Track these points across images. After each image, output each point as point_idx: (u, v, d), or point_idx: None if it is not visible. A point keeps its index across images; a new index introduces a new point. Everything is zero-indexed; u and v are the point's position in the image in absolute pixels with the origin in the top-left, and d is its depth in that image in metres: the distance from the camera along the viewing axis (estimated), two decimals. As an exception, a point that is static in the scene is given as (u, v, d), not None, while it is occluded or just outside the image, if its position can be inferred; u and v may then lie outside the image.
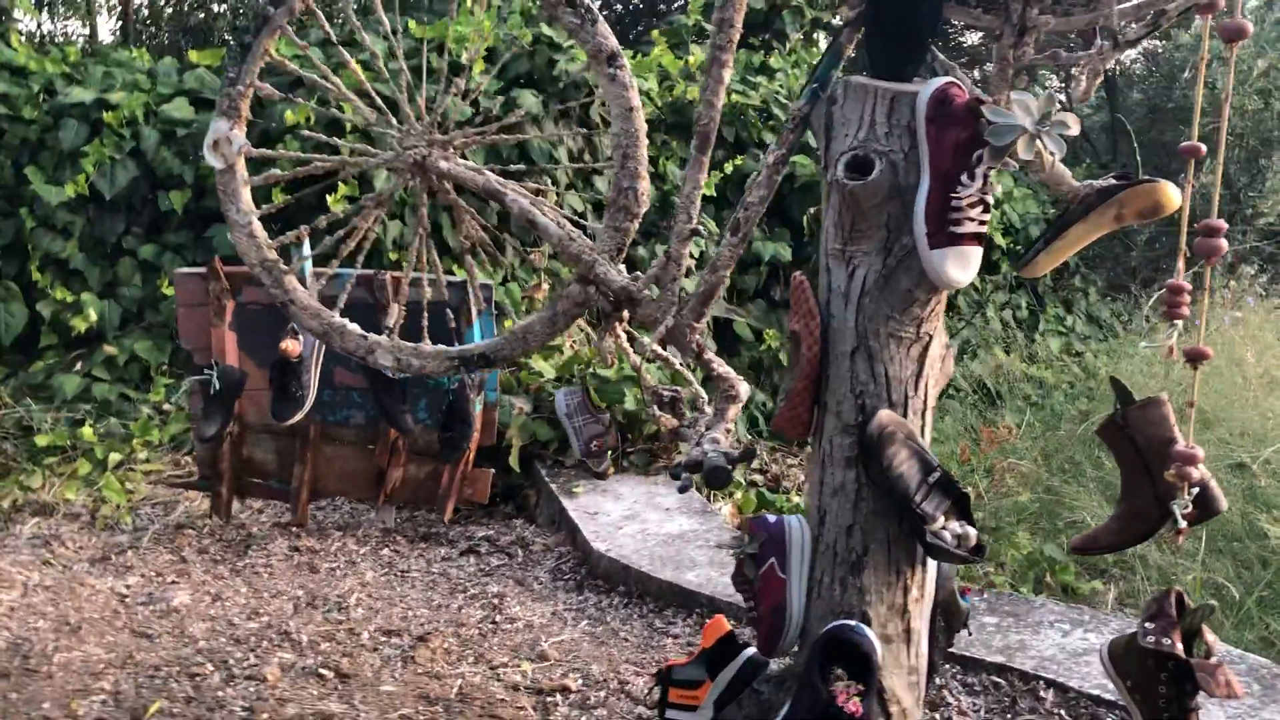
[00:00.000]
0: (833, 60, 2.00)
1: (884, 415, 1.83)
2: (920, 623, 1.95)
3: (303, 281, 3.54)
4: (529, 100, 4.83)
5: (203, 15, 8.52)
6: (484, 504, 3.83)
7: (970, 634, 2.20)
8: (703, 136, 2.03)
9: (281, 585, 3.12)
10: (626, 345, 2.22)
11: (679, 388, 2.22)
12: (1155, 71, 9.22)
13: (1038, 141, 1.69)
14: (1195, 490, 1.91)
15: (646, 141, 2.09)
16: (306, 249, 3.53)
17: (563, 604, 3.09)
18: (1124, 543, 2.09)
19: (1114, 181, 1.95)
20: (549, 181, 4.94)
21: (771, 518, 2.00)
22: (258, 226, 2.22)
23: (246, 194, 2.22)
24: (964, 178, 1.76)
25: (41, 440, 4.04)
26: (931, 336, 1.91)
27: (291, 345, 3.30)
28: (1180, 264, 1.91)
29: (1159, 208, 1.89)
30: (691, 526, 3.50)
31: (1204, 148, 1.86)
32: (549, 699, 2.48)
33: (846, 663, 1.80)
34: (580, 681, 2.59)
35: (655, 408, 2.21)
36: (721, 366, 2.14)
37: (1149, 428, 2.02)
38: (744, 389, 2.12)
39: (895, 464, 1.83)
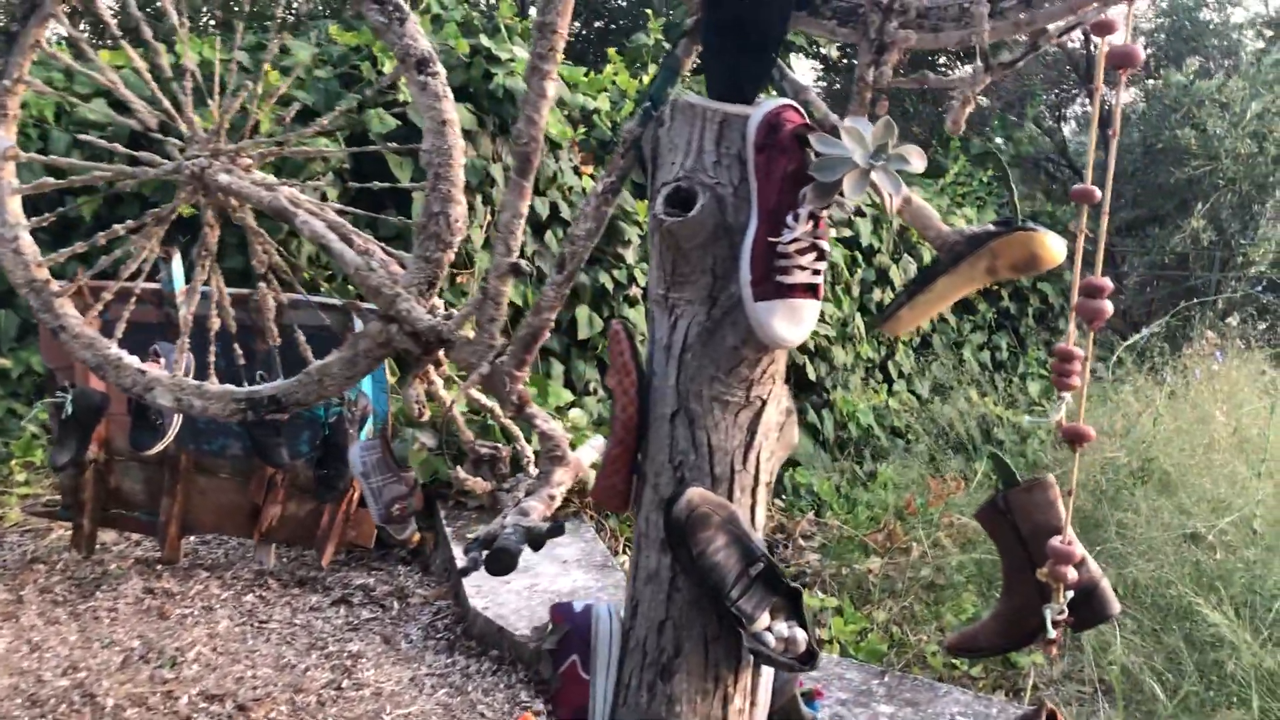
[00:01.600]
0: (669, 76, 1.72)
1: (695, 494, 1.54)
2: (743, 737, 1.66)
3: (171, 299, 3.26)
4: (464, 115, 4.57)
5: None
6: (369, 548, 3.54)
7: None
8: (522, 158, 1.75)
9: (120, 634, 2.84)
10: (442, 393, 1.94)
11: (498, 445, 1.93)
12: (1151, 111, 8.97)
13: (872, 177, 1.42)
14: (1072, 593, 1.63)
15: (463, 161, 1.81)
16: (177, 264, 3.25)
17: (427, 667, 2.80)
18: (1005, 645, 1.80)
19: (989, 228, 1.66)
20: (480, 201, 4.68)
21: (579, 604, 1.71)
22: (26, 241, 1.95)
23: (14, 203, 1.95)
24: (789, 219, 1.48)
25: (-100, 459, 3.77)
26: (765, 401, 1.63)
27: (150, 370, 3.03)
28: (1072, 327, 1.63)
29: (1035, 260, 1.60)
30: (586, 583, 3.21)
31: (1098, 192, 1.59)
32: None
33: (639, 788, 1.51)
34: (408, 763, 2.30)
35: (467, 467, 1.93)
36: (546, 423, 1.86)
37: (1034, 513, 1.74)
38: (569, 450, 1.84)
39: (709, 552, 1.54)
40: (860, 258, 6.26)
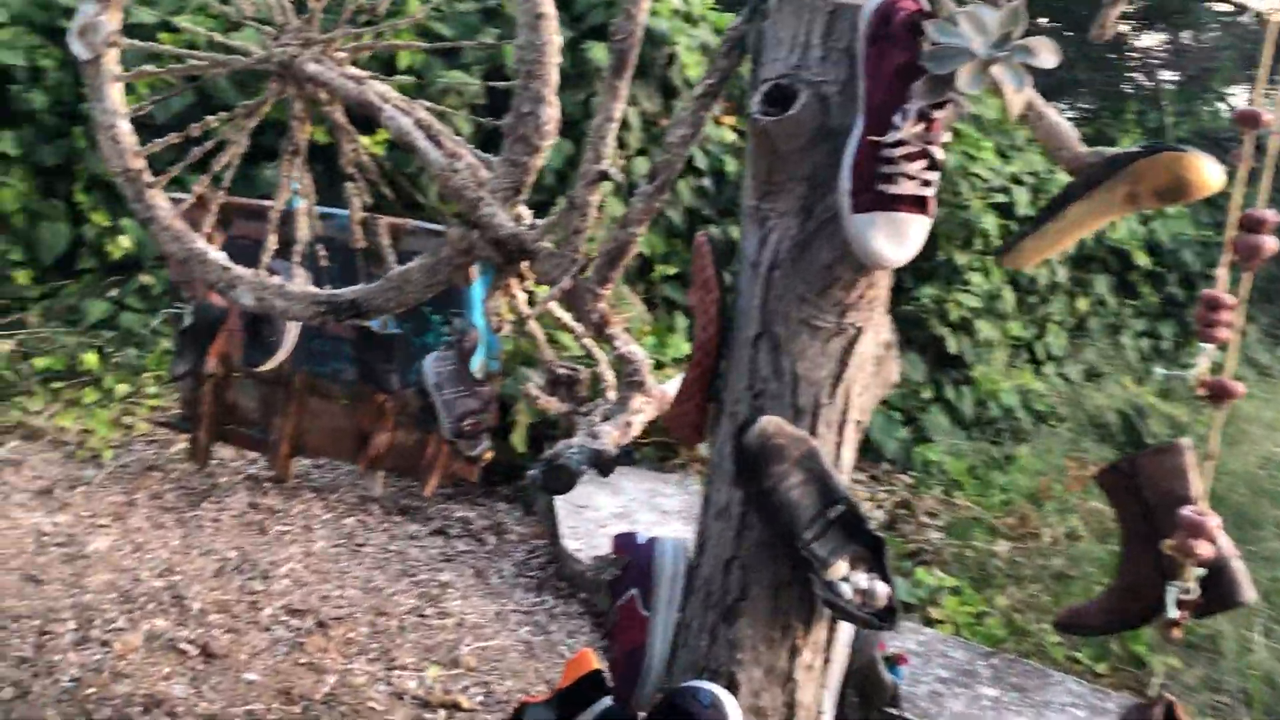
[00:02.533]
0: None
1: (770, 423, 1.40)
2: (810, 696, 1.51)
3: (292, 219, 3.26)
4: (599, 54, 4.46)
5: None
6: (474, 483, 3.50)
7: (902, 713, 1.74)
8: (618, 57, 1.63)
9: (219, 544, 2.86)
10: (525, 308, 1.84)
11: (578, 366, 1.82)
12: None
13: (991, 71, 1.24)
14: (1203, 570, 1.44)
15: (557, 60, 1.70)
16: (297, 184, 3.25)
17: (514, 604, 2.74)
18: (1114, 624, 1.61)
19: (1133, 149, 1.46)
20: (618, 145, 4.56)
21: (643, 537, 1.59)
22: (124, 129, 1.93)
23: (114, 91, 1.92)
24: (897, 117, 1.31)
25: (39, 363, 3.91)
26: (860, 330, 1.47)
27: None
28: (1223, 270, 1.43)
29: (1183, 186, 1.39)
30: (685, 536, 3.09)
31: (1266, 114, 1.38)
32: (428, 715, 2.13)
33: (690, 734, 1.39)
34: (479, 699, 2.23)
35: (544, 387, 1.83)
36: (628, 345, 1.74)
37: (1163, 480, 1.55)
38: (650, 377, 1.72)
39: (782, 489, 1.40)
40: (1016, 228, 5.92)
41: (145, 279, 4.48)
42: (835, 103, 1.41)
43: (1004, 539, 4.19)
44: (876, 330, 1.50)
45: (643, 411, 1.76)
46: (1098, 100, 8.07)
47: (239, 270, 1.93)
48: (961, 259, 5.40)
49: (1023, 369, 6.16)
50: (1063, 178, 6.05)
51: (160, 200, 1.96)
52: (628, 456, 1.59)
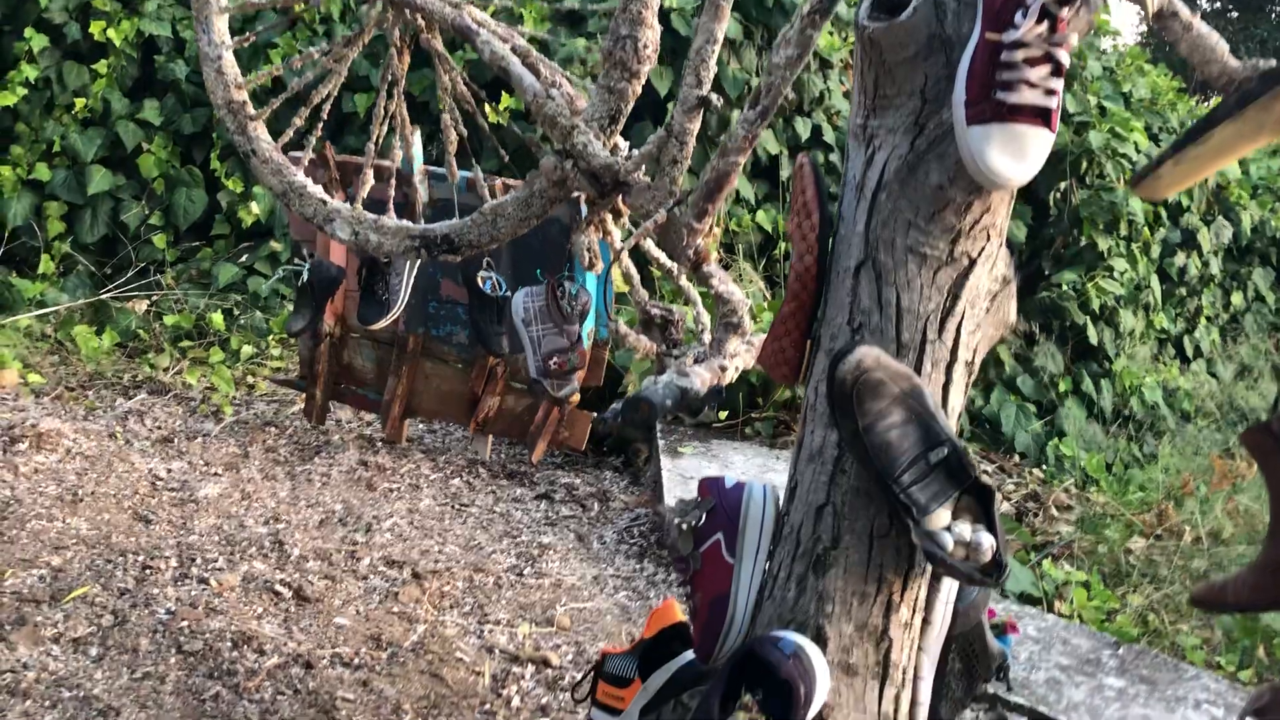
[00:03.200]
0: None
1: (868, 354, 1.29)
2: (906, 656, 1.40)
3: (409, 179, 3.26)
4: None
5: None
6: (582, 451, 3.45)
7: (1008, 688, 1.61)
8: (722, -29, 1.54)
9: (326, 497, 2.87)
10: (618, 243, 1.76)
11: (674, 307, 1.74)
12: None
13: (1126, -45, 1.10)
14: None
15: (659, -19, 1.62)
16: (417, 143, 3.25)
17: (613, 569, 2.68)
18: (1260, 602, 1.45)
19: (1292, 63, 1.29)
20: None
21: (731, 480, 1.50)
22: (229, 61, 1.93)
23: (221, 23, 1.92)
24: (1018, 15, 1.19)
25: (169, 320, 4.02)
26: (973, 261, 1.34)
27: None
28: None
29: (1353, 99, 1.23)
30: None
31: None
32: (516, 669, 2.08)
33: (770, 689, 1.29)
34: (569, 657, 2.17)
35: (637, 328, 1.75)
36: (725, 284, 1.66)
37: (1316, 442, 1.38)
38: (748, 317, 1.63)
39: (879, 428, 1.29)
40: (1165, 215, 5.59)
41: (275, 245, 4.58)
42: (951, 8, 1.29)
43: (1141, 536, 3.95)
44: (992, 262, 1.37)
45: (739, 356, 1.67)
46: (1256, 47, 7.56)
47: (336, 204, 1.90)
48: (1105, 244, 5.12)
49: (1169, 365, 5.82)
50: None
51: (262, 133, 1.95)
52: (717, 395, 1.49)
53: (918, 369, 1.35)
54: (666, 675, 1.58)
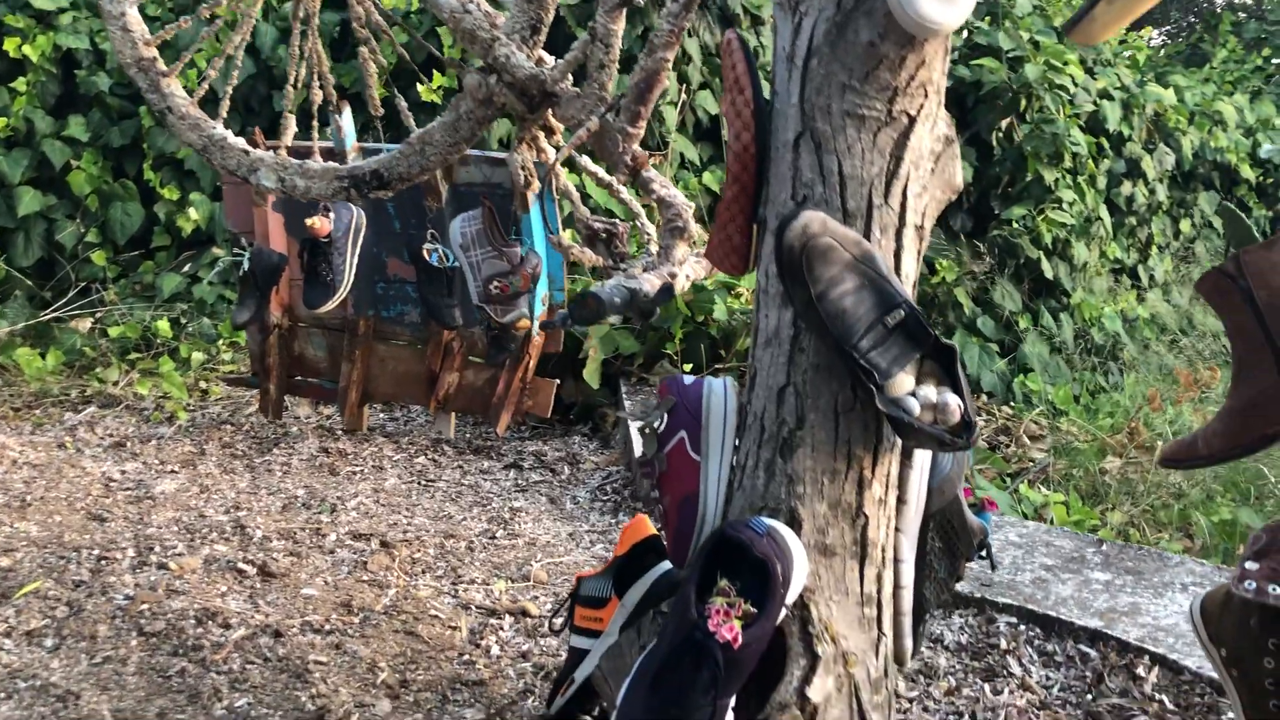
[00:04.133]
0: None
1: (814, 219, 1.25)
2: (884, 534, 1.36)
3: (343, 155, 3.18)
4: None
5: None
6: (549, 420, 3.40)
7: (992, 566, 1.57)
8: None
9: (288, 484, 2.81)
10: (561, 172, 1.71)
11: (617, 221, 1.69)
12: None
13: None
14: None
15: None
16: (347, 117, 3.18)
17: (587, 525, 2.63)
18: (1232, 450, 1.42)
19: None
20: (676, 80, 4.43)
21: (690, 378, 1.46)
22: (134, 17, 1.86)
23: (122, -21, 1.85)
24: None
25: (114, 332, 3.92)
26: (913, 119, 1.31)
27: (319, 223, 2.95)
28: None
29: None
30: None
31: None
32: (494, 621, 2.02)
33: (747, 575, 1.24)
34: (548, 607, 2.11)
35: (581, 242, 1.71)
36: (666, 188, 1.61)
37: (1274, 276, 1.36)
38: (693, 221, 1.59)
39: (832, 295, 1.25)
40: (1108, 145, 5.62)
41: (217, 251, 4.49)
42: None
43: (1115, 455, 3.95)
44: (932, 121, 1.33)
45: (686, 261, 1.62)
46: (1185, 13, 7.66)
47: (259, 153, 1.84)
48: (1051, 176, 5.13)
49: (1125, 294, 5.84)
50: (1153, 88, 5.68)
51: (176, 89, 1.89)
52: (668, 294, 1.45)
53: (866, 236, 1.31)
54: (644, 588, 1.53)
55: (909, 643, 1.44)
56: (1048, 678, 1.87)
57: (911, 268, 1.36)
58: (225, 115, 1.94)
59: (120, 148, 4.56)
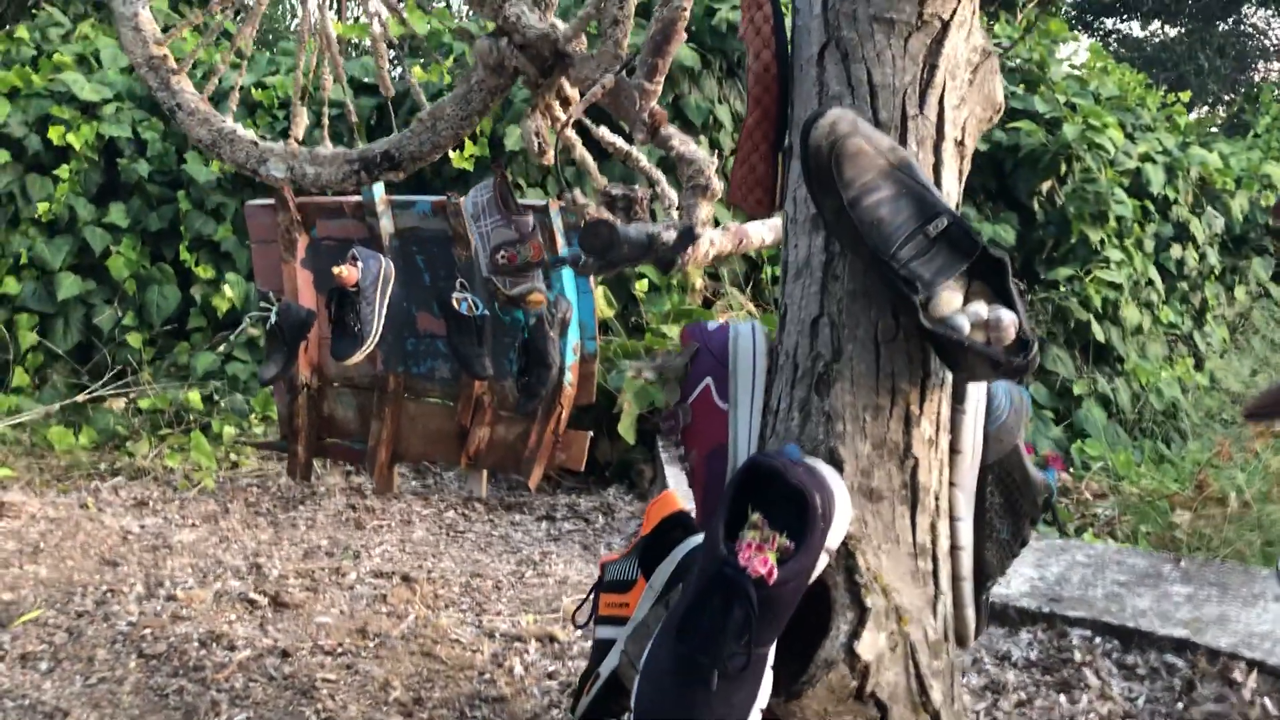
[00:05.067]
0: None
1: (841, 116, 1.15)
2: (935, 480, 1.22)
3: (372, 208, 3.15)
4: (687, 54, 4.33)
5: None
6: (581, 475, 3.27)
7: (1058, 526, 1.41)
8: None
9: (311, 536, 2.69)
10: (570, 132, 1.63)
11: (636, 186, 1.60)
12: None
13: None
14: None
15: None
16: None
17: (624, 568, 2.47)
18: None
19: None
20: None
21: (714, 324, 1.34)
22: (146, 18, 1.83)
23: (134, -22, 1.83)
24: None
25: (145, 403, 3.87)
26: (947, 24, 1.21)
27: (347, 272, 2.90)
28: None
29: None
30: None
31: None
32: (519, 644, 1.87)
33: (782, 510, 1.11)
34: (577, 634, 1.96)
35: (600, 209, 1.61)
36: (685, 145, 1.53)
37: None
38: (716, 178, 1.50)
39: (866, 203, 1.14)
40: (1153, 209, 5.50)
41: (252, 332, 4.46)
42: None
43: (1184, 510, 3.73)
44: (967, 29, 1.24)
45: (709, 222, 1.53)
46: (1226, 87, 7.61)
47: (268, 144, 1.78)
48: (1096, 236, 5.00)
49: (1182, 360, 5.64)
50: (1196, 151, 5.58)
51: (186, 85, 1.85)
52: (689, 238, 1.34)
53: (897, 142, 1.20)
54: (672, 566, 1.39)
55: (971, 613, 1.29)
56: (1130, 690, 1.68)
57: (953, 186, 1.25)
58: (235, 109, 1.90)
59: (158, 232, 4.60)
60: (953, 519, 1.26)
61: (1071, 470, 4.62)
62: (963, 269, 1.14)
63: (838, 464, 1.18)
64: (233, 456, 3.76)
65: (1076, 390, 5.02)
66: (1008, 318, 1.14)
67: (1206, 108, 7.72)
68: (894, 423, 1.20)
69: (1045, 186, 5.11)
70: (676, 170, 1.52)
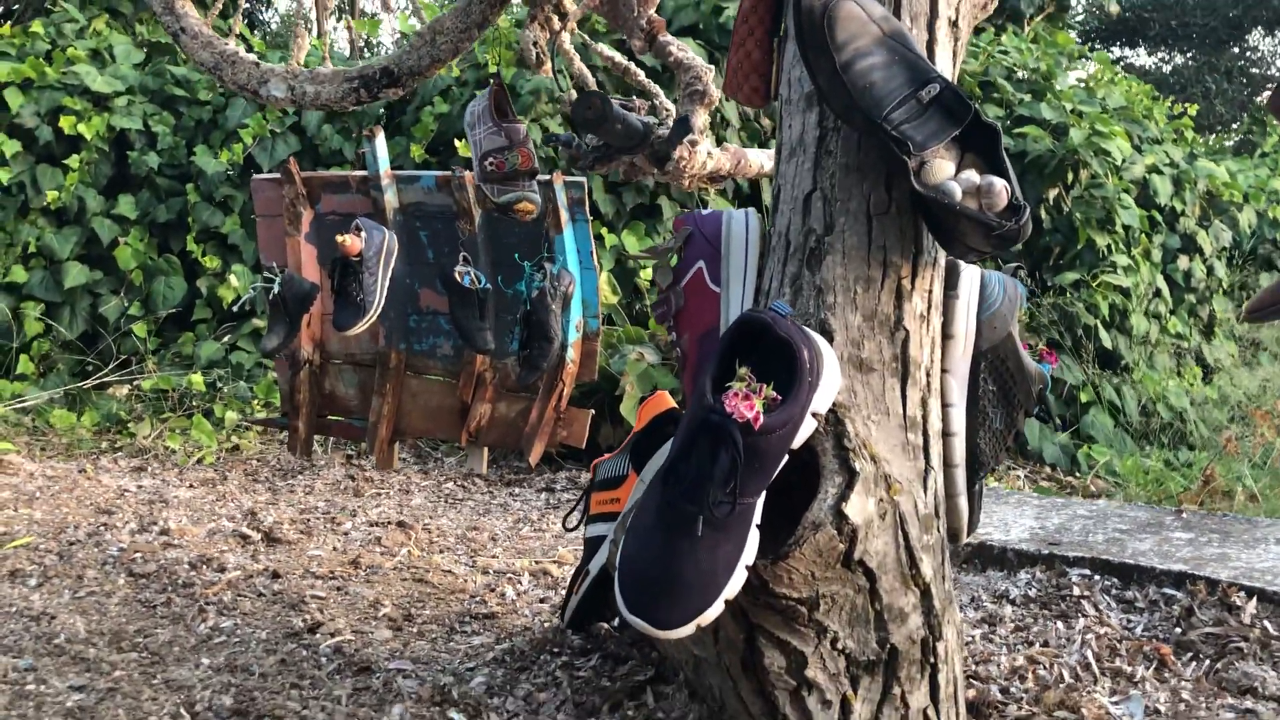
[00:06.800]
0: None
1: (834, -20, 1.15)
2: (927, 356, 1.21)
3: (376, 182, 3.16)
4: (696, 51, 4.35)
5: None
6: (584, 450, 3.25)
7: (1049, 419, 1.39)
8: None
9: (309, 500, 2.68)
10: (568, 46, 1.64)
11: (633, 98, 1.61)
12: None
13: None
14: None
15: None
16: (380, 142, 3.18)
17: (621, 529, 2.45)
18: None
19: None
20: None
21: (708, 211, 1.34)
22: (152, -57, 1.85)
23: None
24: None
25: (147, 384, 3.88)
26: (940, -100, 1.22)
27: (350, 241, 2.91)
28: None
29: None
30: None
31: None
32: (510, 576, 1.86)
33: (771, 368, 1.10)
34: (571, 569, 1.94)
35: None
36: (683, 52, 1.53)
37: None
38: (713, 85, 1.50)
39: (859, 67, 1.14)
40: (1161, 219, 5.50)
41: (257, 323, 4.47)
42: None
43: (1190, 504, 3.70)
44: (961, -91, 1.25)
45: (707, 130, 1.53)
46: (1235, 109, 7.63)
47: (269, 65, 1.80)
48: (1103, 241, 5.00)
49: (1189, 371, 5.62)
50: (1204, 164, 5.59)
51: (190, 9, 1.86)
52: (683, 129, 1.34)
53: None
54: (663, 458, 1.38)
55: (964, 502, 1.28)
56: (1129, 620, 1.66)
57: (946, 66, 1.25)
58: (237, 33, 1.91)
59: (166, 223, 4.62)
60: (945, 405, 1.25)
61: (1078, 475, 4.60)
62: (955, 134, 1.14)
63: (828, 335, 1.17)
64: (234, 439, 3.75)
65: (1083, 397, 4.99)
66: (999, 183, 1.13)
67: (1213, 134, 7.75)
68: (885, 295, 1.19)
69: (1052, 193, 5.11)
70: (677, 76, 1.52)
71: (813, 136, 1.23)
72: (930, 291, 1.22)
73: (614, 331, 3.86)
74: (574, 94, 1.28)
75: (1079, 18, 7.41)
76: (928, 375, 1.21)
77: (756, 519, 1.07)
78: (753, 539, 1.07)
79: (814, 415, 1.10)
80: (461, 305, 3.03)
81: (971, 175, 1.14)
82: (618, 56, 1.68)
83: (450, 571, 1.85)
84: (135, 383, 4.17)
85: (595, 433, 3.32)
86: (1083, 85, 5.60)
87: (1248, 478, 3.66)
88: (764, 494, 1.08)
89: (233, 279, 4.43)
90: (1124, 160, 5.24)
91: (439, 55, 1.64)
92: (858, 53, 1.14)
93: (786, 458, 1.08)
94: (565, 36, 1.65)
